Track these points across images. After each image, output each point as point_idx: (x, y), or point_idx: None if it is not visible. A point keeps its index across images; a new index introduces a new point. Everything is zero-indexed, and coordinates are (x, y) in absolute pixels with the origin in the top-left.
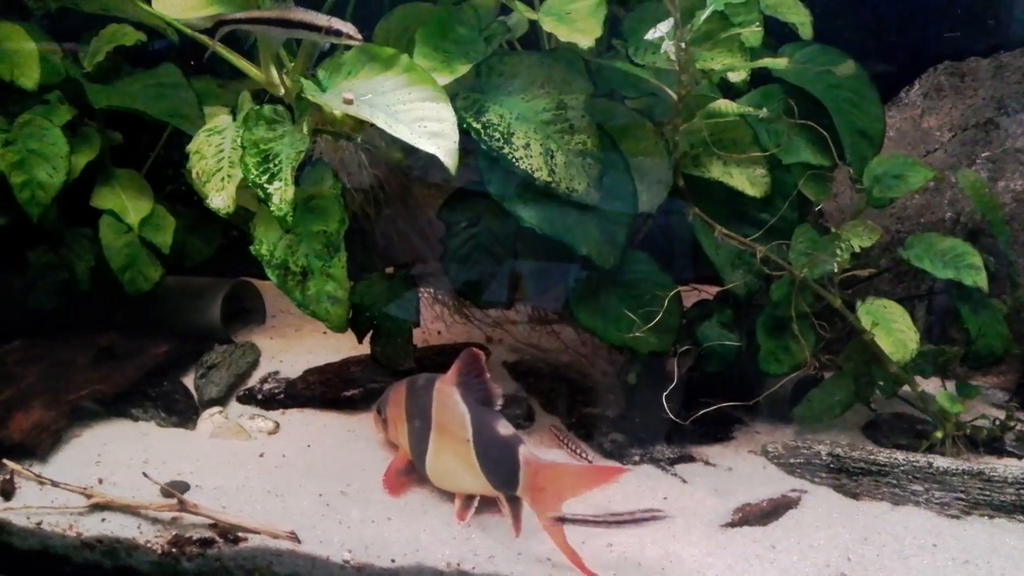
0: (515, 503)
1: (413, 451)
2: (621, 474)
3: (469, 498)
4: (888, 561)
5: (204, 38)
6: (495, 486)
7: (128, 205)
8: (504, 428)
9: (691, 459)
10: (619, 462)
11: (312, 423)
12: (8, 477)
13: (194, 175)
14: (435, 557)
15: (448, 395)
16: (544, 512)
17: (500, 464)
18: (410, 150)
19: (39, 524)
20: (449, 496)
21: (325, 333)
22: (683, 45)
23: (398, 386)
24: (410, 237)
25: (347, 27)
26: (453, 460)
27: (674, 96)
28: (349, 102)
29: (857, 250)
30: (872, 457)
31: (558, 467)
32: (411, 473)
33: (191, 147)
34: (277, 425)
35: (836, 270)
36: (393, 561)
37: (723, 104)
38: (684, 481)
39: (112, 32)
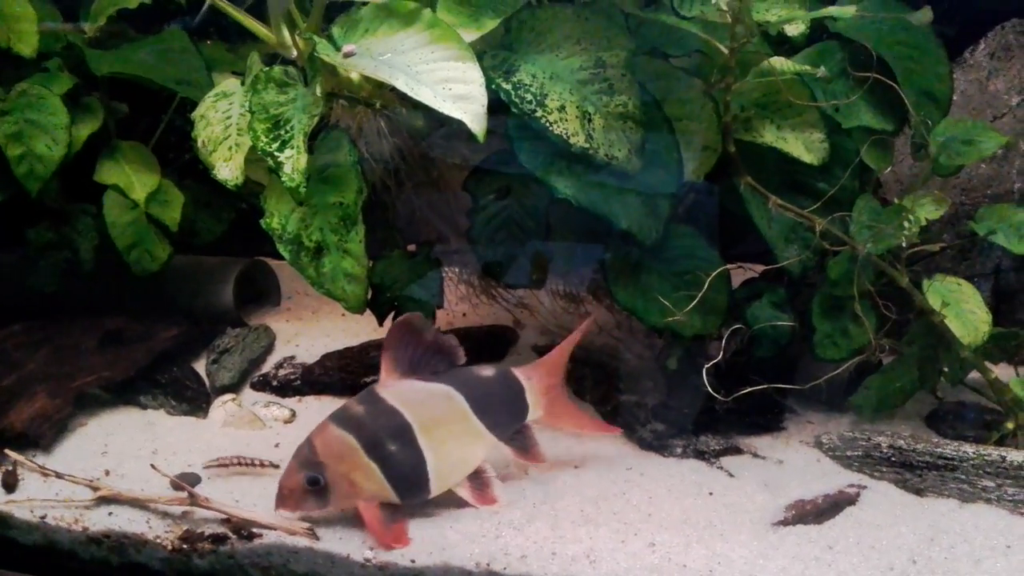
0: (526, 429)
1: (398, 483)
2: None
3: (476, 476)
4: (958, 564)
5: None
6: (503, 435)
7: (134, 180)
8: (486, 370)
9: (738, 451)
10: (660, 454)
11: (330, 411)
12: (11, 468)
13: (200, 143)
14: (463, 556)
15: (410, 389)
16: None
17: (505, 407)
18: (434, 115)
19: (43, 518)
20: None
21: (343, 315)
22: None
23: (326, 444)
24: (433, 212)
25: None
26: (457, 444)
27: (725, 52)
28: (350, 55)
29: (924, 223)
30: (938, 450)
31: (548, 361)
32: (396, 514)
33: (196, 113)
34: (293, 413)
35: (904, 245)
36: (413, 561)
37: (778, 62)
38: (731, 475)
39: None
